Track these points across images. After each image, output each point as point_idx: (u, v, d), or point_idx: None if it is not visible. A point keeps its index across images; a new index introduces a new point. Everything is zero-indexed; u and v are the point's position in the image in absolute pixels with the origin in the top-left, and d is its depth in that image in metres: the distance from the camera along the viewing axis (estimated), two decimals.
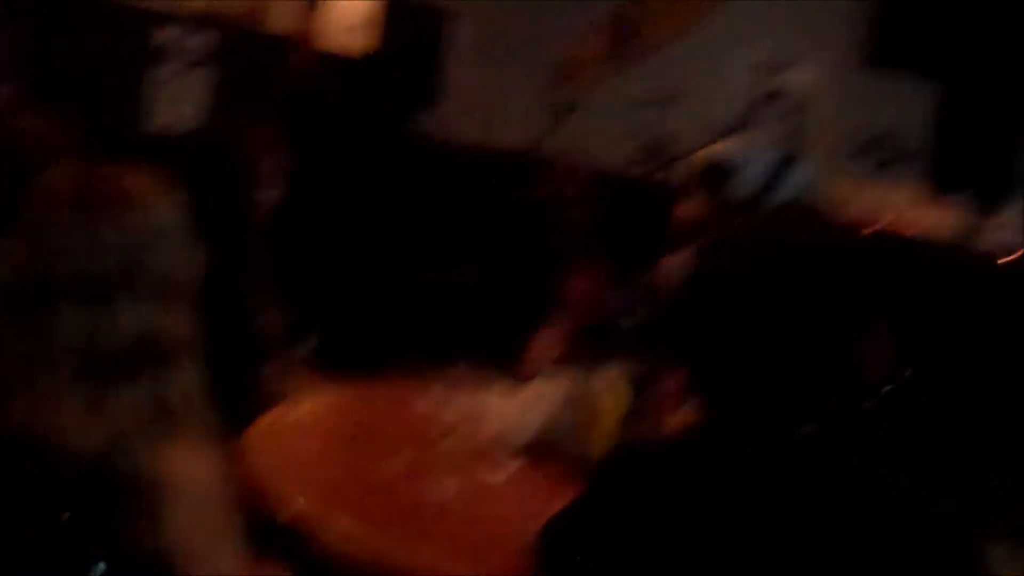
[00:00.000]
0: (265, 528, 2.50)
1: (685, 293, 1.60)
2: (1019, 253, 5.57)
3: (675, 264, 5.21)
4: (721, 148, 5.49)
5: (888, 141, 6.06)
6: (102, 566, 1.64)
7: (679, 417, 2.08)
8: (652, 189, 5.53)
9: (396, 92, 6.86)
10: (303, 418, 2.65)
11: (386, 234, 6.14)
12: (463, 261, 5.94)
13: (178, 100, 5.84)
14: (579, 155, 6.54)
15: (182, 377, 1.78)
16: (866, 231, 5.80)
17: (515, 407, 2.48)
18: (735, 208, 5.16)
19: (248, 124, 3.07)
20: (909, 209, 5.89)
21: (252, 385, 2.84)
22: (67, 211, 1.72)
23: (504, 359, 2.85)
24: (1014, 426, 5.05)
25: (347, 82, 6.90)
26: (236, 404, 2.74)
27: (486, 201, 5.96)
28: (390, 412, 2.71)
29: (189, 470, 1.70)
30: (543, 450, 2.45)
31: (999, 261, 5.60)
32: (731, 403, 1.48)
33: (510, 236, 5.57)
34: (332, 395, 2.91)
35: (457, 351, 2.59)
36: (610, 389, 2.48)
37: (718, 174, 5.14)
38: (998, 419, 5.06)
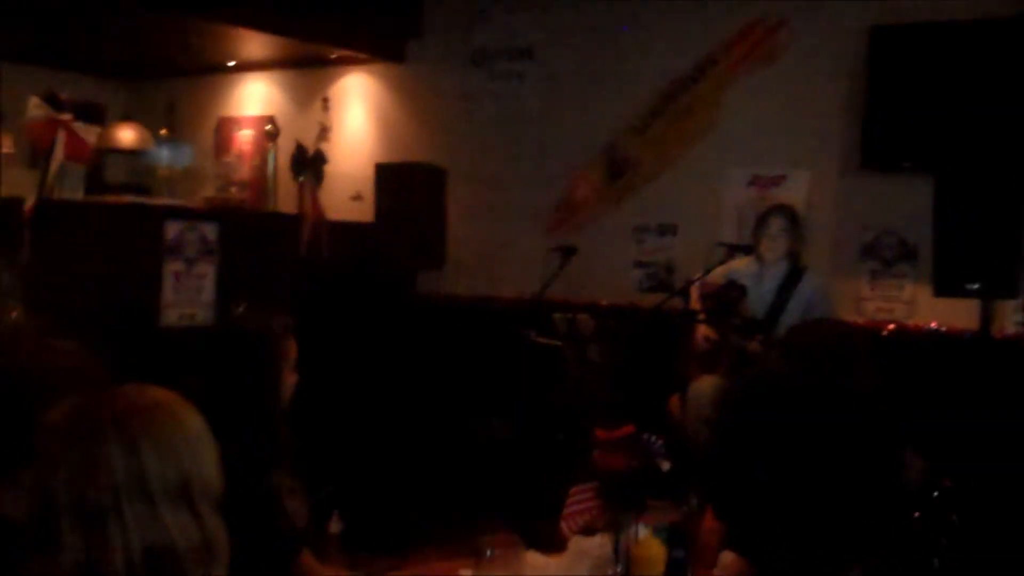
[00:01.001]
0: None
1: (719, 438, 1.59)
2: None
3: (704, 388, 5.21)
4: (731, 267, 5.52)
5: (891, 240, 6.09)
6: None
7: (720, 569, 2.06)
8: (665, 317, 5.53)
9: (401, 254, 6.94)
10: None
11: (404, 399, 6.15)
12: (487, 417, 5.93)
13: (193, 291, 5.93)
14: (587, 293, 6.60)
15: None
16: (884, 332, 5.83)
17: (559, 572, 2.45)
18: (752, 326, 5.17)
19: (267, 311, 3.10)
20: (921, 305, 5.90)
21: (285, 567, 2.81)
22: (100, 433, 1.73)
23: (539, 522, 2.84)
24: None
25: (354, 249, 7.01)
26: None
27: (500, 352, 5.97)
28: None
29: None
30: None
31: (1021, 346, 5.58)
32: (775, 550, 1.46)
33: (530, 386, 5.57)
34: None
35: (489, 519, 2.57)
36: (648, 541, 2.46)
37: (731, 294, 5.17)
38: None
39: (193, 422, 1.85)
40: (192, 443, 1.82)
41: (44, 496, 1.74)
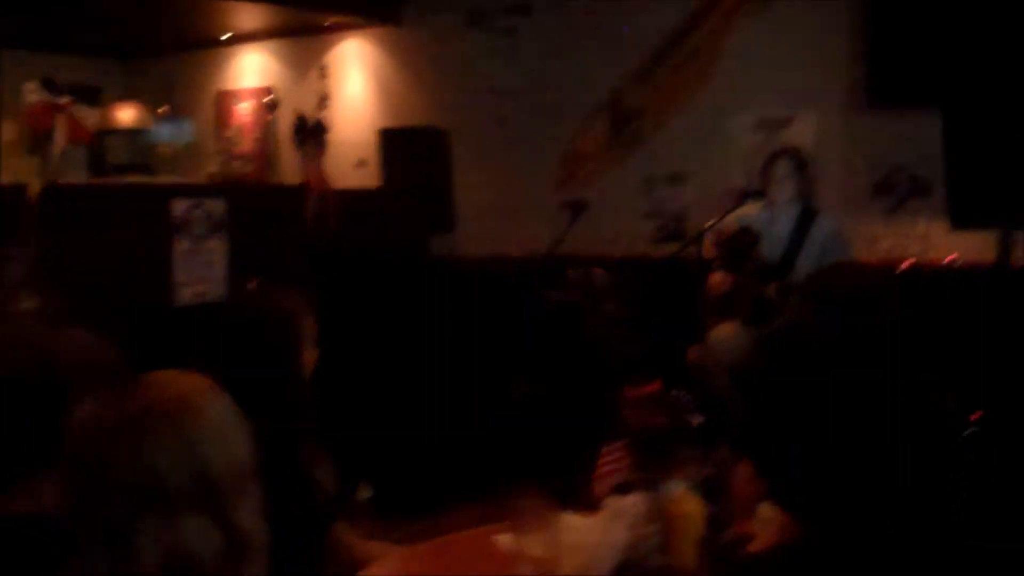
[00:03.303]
0: None
1: (756, 395, 1.57)
2: None
3: (724, 336, 5.19)
4: (742, 213, 5.49)
5: (902, 176, 6.05)
6: None
7: (760, 523, 2.04)
8: (680, 267, 5.51)
9: (410, 219, 6.91)
10: None
11: (425, 363, 6.14)
12: (510, 378, 5.91)
13: (204, 268, 5.92)
14: (599, 247, 6.57)
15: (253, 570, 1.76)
16: (899, 269, 5.80)
17: (595, 533, 2.44)
18: (767, 271, 5.14)
19: (282, 288, 3.07)
20: (936, 240, 5.87)
21: (319, 546, 2.81)
22: (115, 438, 1.71)
23: (571, 483, 2.82)
24: None
25: (362, 217, 6.97)
26: (306, 568, 2.72)
27: (517, 312, 5.96)
28: (469, 563, 2.66)
29: None
30: (632, 571, 2.40)
31: None
32: (822, 506, 1.44)
33: (550, 344, 5.55)
34: (404, 556, 2.85)
35: (520, 480, 2.55)
36: (684, 496, 2.44)
37: (744, 240, 5.13)
38: None
39: (216, 412, 1.80)
40: (216, 437, 1.77)
41: (69, 500, 1.71)
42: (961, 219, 5.04)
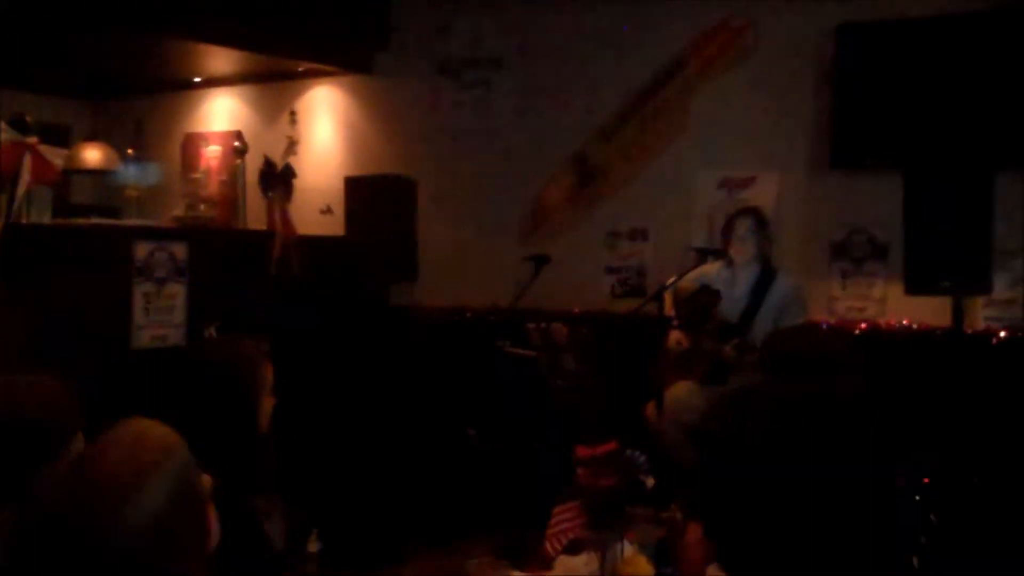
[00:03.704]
0: None
1: (707, 456, 1.58)
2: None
3: (681, 394, 5.21)
4: (703, 272, 5.53)
5: (862, 239, 6.12)
6: None
7: None
8: (639, 323, 5.54)
9: (373, 267, 6.91)
10: None
11: (382, 414, 6.12)
12: (466, 430, 5.90)
13: (164, 312, 5.89)
14: (560, 301, 6.59)
15: None
16: (856, 331, 5.86)
17: None
18: (726, 329, 5.18)
19: (241, 335, 3.07)
20: (892, 303, 5.94)
21: None
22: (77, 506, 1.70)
23: (523, 539, 2.82)
24: None
25: (325, 263, 6.97)
26: None
27: (475, 364, 5.96)
28: None
29: None
30: None
31: (993, 341, 5.62)
32: (768, 569, 1.45)
33: (506, 397, 5.56)
34: None
35: (471, 536, 2.55)
36: (634, 558, 2.46)
37: (704, 298, 5.17)
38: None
39: (175, 478, 1.80)
40: (177, 503, 1.77)
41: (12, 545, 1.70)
42: (916, 283, 5.11)
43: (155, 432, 1.83)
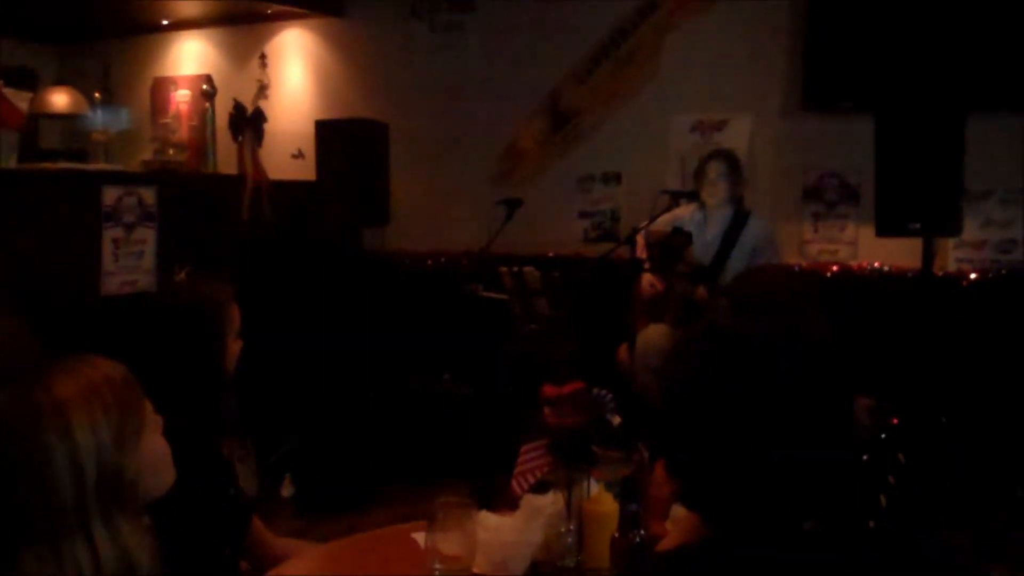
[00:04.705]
0: None
1: (669, 393, 1.57)
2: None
3: (652, 337, 5.23)
4: (675, 215, 5.53)
5: (833, 182, 6.13)
6: None
7: (672, 523, 2.07)
8: (612, 267, 5.54)
9: (344, 212, 6.87)
10: None
11: (353, 358, 6.12)
12: (438, 374, 5.93)
13: (134, 257, 5.85)
14: (533, 245, 6.59)
15: None
16: (827, 273, 5.88)
17: (510, 531, 2.45)
18: (698, 272, 5.18)
19: (209, 278, 3.06)
20: (864, 245, 5.96)
21: (238, 542, 2.80)
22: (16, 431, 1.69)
23: (491, 481, 2.84)
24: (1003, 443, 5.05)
25: (297, 208, 6.93)
26: (226, 561, 2.71)
27: (448, 308, 5.96)
28: (385, 560, 2.66)
29: None
30: (544, 570, 2.42)
31: (963, 283, 5.66)
32: (728, 506, 1.46)
33: (479, 341, 5.56)
34: (320, 552, 2.84)
35: (442, 479, 2.56)
36: (600, 496, 2.47)
37: (676, 241, 5.17)
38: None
39: (118, 413, 1.80)
40: (114, 439, 1.77)
41: None
42: (887, 225, 5.11)
43: (97, 362, 1.83)
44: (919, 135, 4.96)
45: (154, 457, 1.91)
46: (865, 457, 2.70)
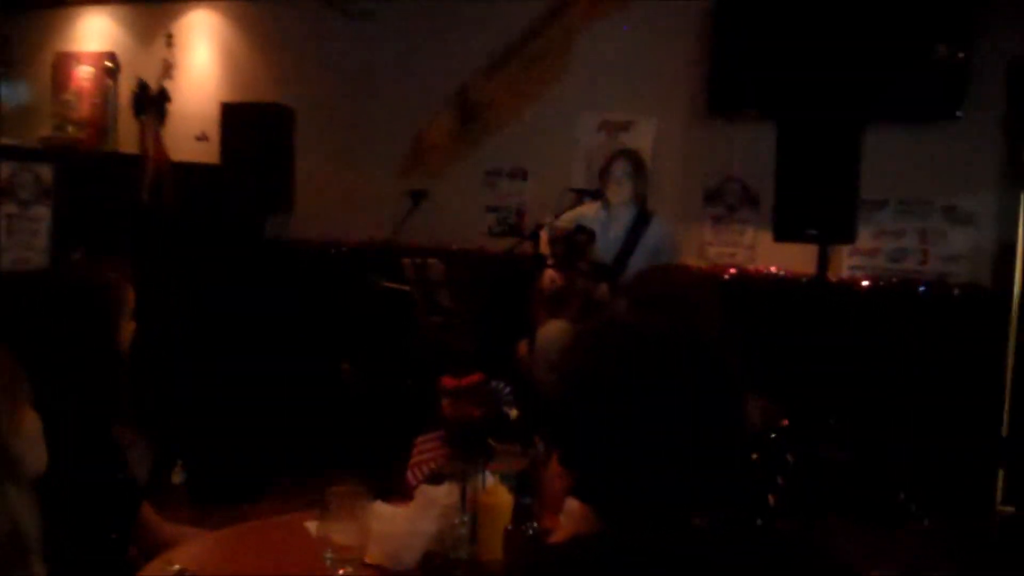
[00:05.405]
0: None
1: (564, 387, 1.59)
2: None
3: (552, 333, 5.26)
4: (579, 212, 5.57)
5: (734, 186, 6.24)
6: None
7: (566, 516, 2.09)
8: (515, 262, 5.56)
9: (248, 197, 6.79)
10: (186, 568, 2.56)
11: (252, 345, 6.05)
12: (337, 363, 5.89)
13: (27, 234, 5.72)
14: (438, 238, 6.59)
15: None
16: (725, 276, 5.98)
17: (404, 522, 2.45)
18: (600, 270, 5.23)
19: (103, 258, 3.00)
20: (762, 249, 6.07)
21: (126, 528, 2.76)
22: None
23: (387, 471, 2.83)
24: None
25: (199, 192, 6.83)
26: (113, 546, 2.67)
27: (349, 297, 5.93)
28: (275, 548, 2.64)
29: None
30: (436, 560, 2.42)
31: (855, 289, 5.81)
32: (619, 499, 1.49)
33: (379, 332, 5.55)
34: (210, 539, 2.81)
35: (336, 469, 2.56)
36: (495, 488, 2.48)
37: (579, 238, 5.21)
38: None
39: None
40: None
41: None
42: (784, 230, 5.22)
43: None
44: (818, 144, 5.08)
45: (35, 432, 1.88)
46: (755, 456, 2.75)
